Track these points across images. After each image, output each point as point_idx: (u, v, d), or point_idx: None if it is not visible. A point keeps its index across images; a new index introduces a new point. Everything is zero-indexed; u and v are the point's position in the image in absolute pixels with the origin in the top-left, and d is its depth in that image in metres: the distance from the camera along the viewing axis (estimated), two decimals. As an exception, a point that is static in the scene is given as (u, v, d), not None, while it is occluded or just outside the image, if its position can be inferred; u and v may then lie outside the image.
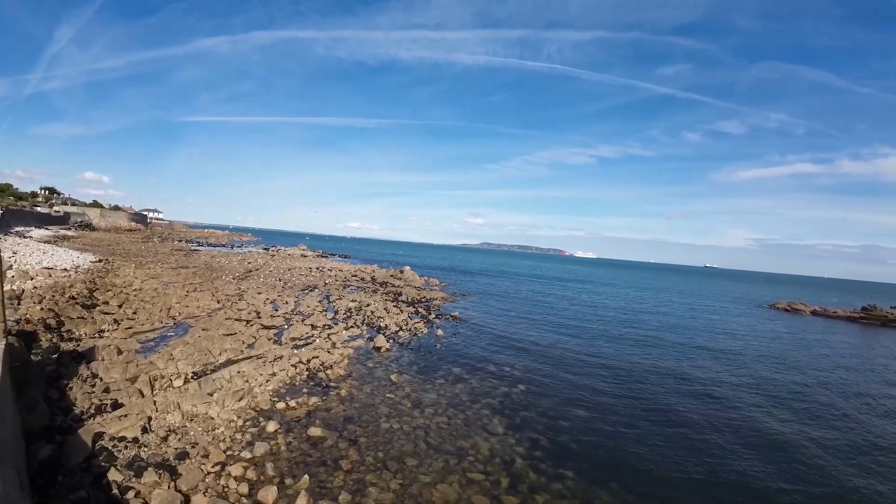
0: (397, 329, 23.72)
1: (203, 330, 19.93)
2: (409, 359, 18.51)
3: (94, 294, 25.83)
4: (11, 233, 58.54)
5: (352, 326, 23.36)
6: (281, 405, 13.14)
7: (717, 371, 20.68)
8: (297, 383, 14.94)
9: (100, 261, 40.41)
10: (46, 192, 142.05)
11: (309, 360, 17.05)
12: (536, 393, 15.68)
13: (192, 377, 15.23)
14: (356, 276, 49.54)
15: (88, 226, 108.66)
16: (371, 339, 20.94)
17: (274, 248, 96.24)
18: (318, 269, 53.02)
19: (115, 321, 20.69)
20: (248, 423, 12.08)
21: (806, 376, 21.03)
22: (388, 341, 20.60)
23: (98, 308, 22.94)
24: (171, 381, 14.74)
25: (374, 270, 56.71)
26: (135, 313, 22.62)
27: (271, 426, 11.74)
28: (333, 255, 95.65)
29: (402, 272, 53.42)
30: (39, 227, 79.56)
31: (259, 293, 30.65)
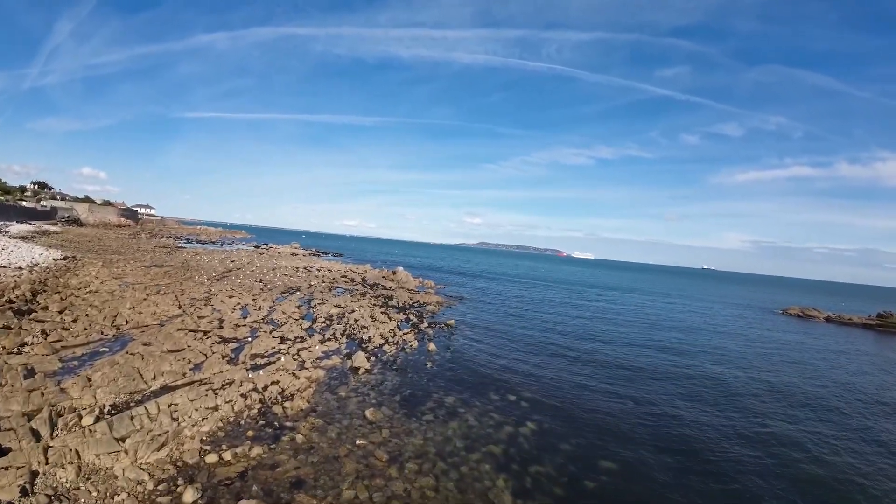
0: (382, 342, 20.29)
1: (144, 345, 16.53)
2: (393, 384, 15.07)
3: (37, 297, 22.48)
4: (-13, 227, 55.27)
5: (329, 339, 19.95)
6: (212, 458, 9.78)
7: (767, 405, 17.05)
8: (242, 422, 11.56)
9: (65, 258, 36.97)
10: (36, 186, 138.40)
11: (265, 388, 13.67)
12: (550, 435, 12.30)
13: (108, 412, 11.89)
14: (346, 276, 46.13)
15: (76, 221, 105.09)
16: (349, 355, 17.52)
17: (265, 245, 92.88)
18: (305, 268, 49.58)
19: (44, 332, 17.29)
20: (160, 488, 8.75)
21: (868, 420, 17.36)
22: (368, 359, 17.18)
23: (33, 315, 19.60)
24: (79, 417, 11.41)
25: (365, 271, 53.29)
26: (74, 321, 19.24)
27: (189, 495, 8.40)
28: (326, 253, 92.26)
29: (394, 273, 50.01)
30: (21, 222, 76.32)
31: (230, 296, 27.24)
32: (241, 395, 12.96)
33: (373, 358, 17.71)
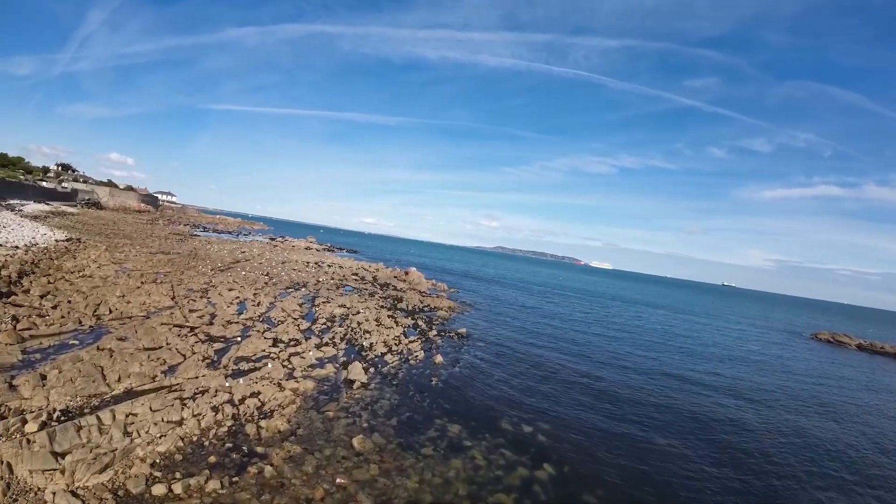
0: (385, 351, 18.34)
1: (118, 339, 14.86)
2: (390, 403, 13.04)
3: (23, 279, 21.09)
4: (2, 206, 55.00)
5: (326, 343, 18.06)
6: (160, 489, 7.98)
7: (812, 465, 14.72)
8: (207, 443, 9.72)
9: (68, 240, 35.90)
10: (60, 167, 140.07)
11: (243, 400, 11.84)
12: (572, 483, 10.16)
13: (58, 418, 10.20)
14: (356, 274, 44.41)
15: (96, 204, 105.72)
16: (346, 365, 15.59)
17: (281, 238, 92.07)
18: (316, 263, 48.02)
19: (16, 318, 15.75)
20: (85, 529, 6.95)
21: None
22: (366, 371, 15.23)
23: (12, 298, 18.15)
24: (24, 421, 9.74)
25: (377, 269, 51.54)
26: (54, 308, 17.72)
27: (115, 543, 6.56)
28: (341, 249, 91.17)
29: (407, 273, 48.16)
30: (39, 202, 76.40)
31: (230, 289, 25.61)
32: (213, 409, 11.13)
33: (372, 369, 15.74)
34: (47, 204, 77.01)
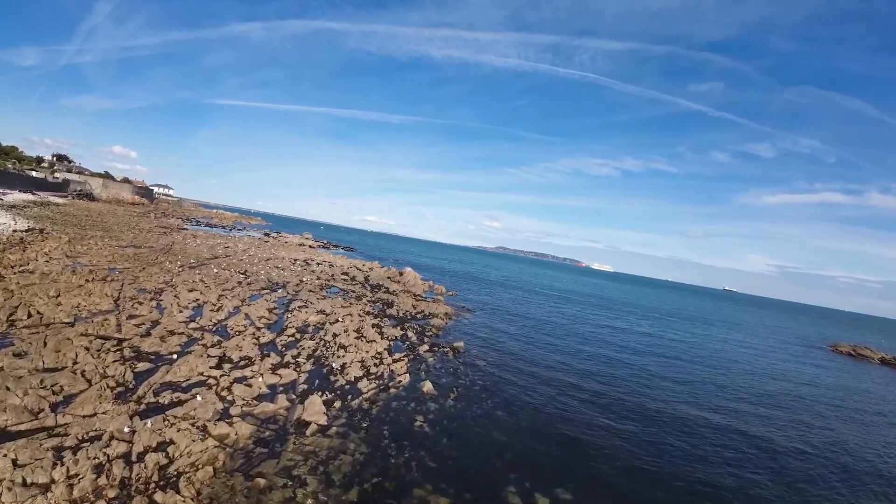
0: (360, 374, 14.88)
1: (15, 356, 11.53)
2: (353, 460, 9.51)
3: (-58, 274, 17.83)
4: (-19, 194, 52.07)
5: (287, 364, 14.64)
6: None
7: None
8: (59, 536, 6.41)
9: (27, 230, 32.66)
10: (55, 158, 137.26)
11: (145, 453, 8.50)
12: None
13: None
14: (347, 274, 41.01)
15: (88, 195, 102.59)
16: (303, 396, 12.19)
17: (275, 234, 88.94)
18: (304, 261, 44.64)
19: None
20: None
21: None
22: (329, 406, 11.78)
23: (-86, 297, 14.91)
24: None
25: (371, 269, 48.18)
26: (-40, 311, 14.42)
27: None
28: (337, 246, 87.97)
29: (401, 274, 44.75)
30: (25, 191, 73.34)
31: (191, 290, 22.26)
32: (96, 467, 7.82)
33: (337, 403, 12.28)
34: (34, 194, 73.91)
